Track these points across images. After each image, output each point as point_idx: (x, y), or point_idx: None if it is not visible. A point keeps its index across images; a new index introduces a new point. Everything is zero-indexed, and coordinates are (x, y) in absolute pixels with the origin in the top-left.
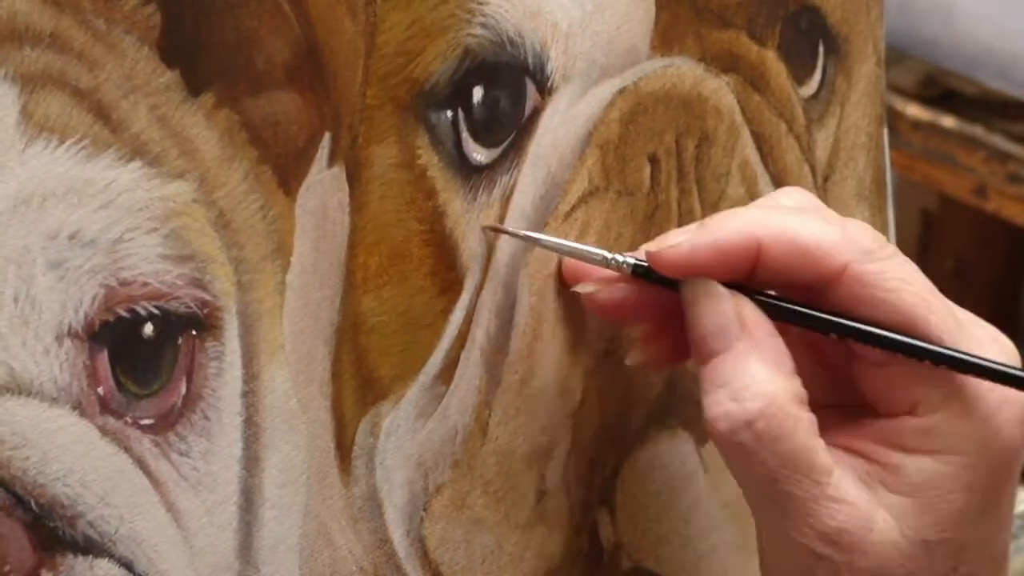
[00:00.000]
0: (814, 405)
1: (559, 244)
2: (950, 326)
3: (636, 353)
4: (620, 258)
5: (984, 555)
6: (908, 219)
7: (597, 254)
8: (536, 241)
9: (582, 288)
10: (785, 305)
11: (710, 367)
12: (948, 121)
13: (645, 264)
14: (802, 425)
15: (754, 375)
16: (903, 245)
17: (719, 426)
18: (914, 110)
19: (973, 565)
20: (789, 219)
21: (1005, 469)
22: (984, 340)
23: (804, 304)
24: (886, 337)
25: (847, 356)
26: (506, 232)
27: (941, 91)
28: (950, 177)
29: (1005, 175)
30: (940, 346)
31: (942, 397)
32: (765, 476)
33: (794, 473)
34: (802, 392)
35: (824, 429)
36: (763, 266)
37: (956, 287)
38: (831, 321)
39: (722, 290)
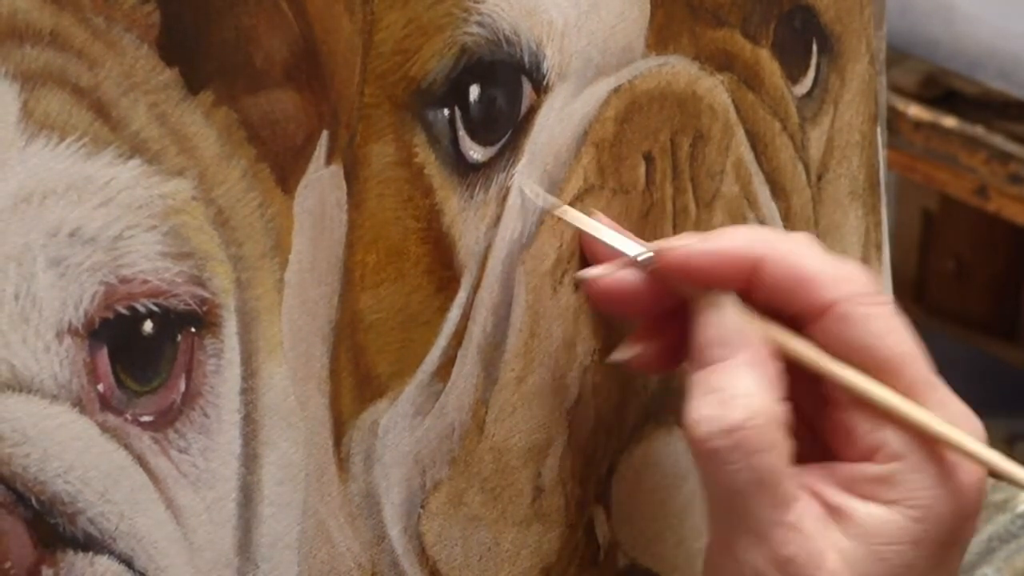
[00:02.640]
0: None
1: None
2: (924, 386)
3: (624, 350)
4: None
5: None
6: (909, 219)
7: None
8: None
9: (589, 273)
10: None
11: (704, 373)
12: (949, 121)
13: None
14: (778, 448)
15: (745, 387)
16: (903, 245)
17: (699, 428)
18: (915, 110)
19: None
20: (796, 247)
21: (956, 531)
22: (956, 412)
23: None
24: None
25: (816, 399)
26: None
27: (942, 91)
28: (951, 177)
29: (1006, 175)
30: (908, 401)
31: (903, 447)
32: (732, 488)
33: (760, 492)
34: (787, 418)
35: (797, 463)
36: (757, 285)
37: (957, 287)
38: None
39: (734, 304)
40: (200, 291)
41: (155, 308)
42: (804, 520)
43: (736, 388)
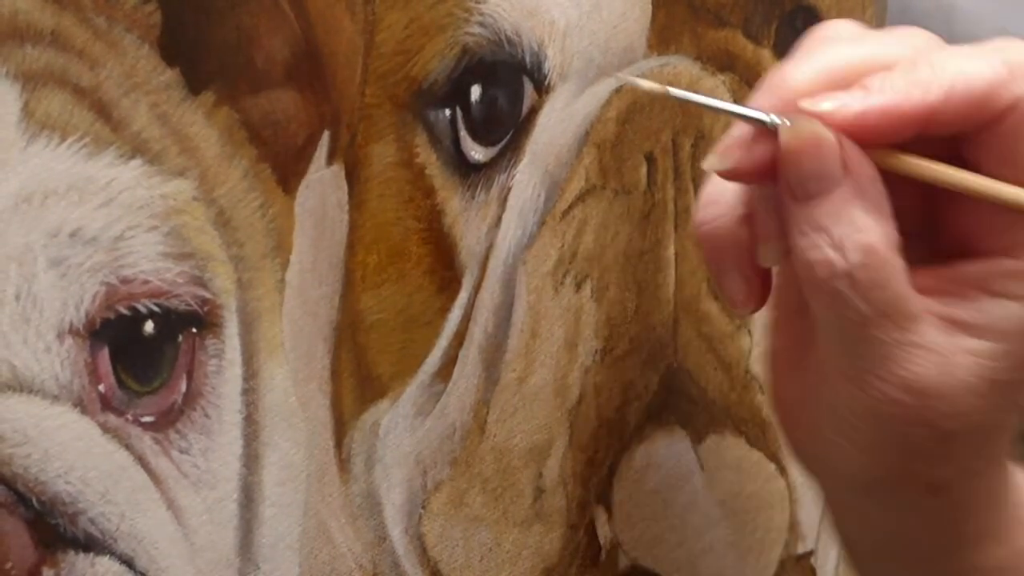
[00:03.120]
0: (903, 243)
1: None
2: None
3: (721, 158)
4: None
5: None
6: None
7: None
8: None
9: (721, 162)
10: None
11: (808, 208)
12: None
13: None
14: (897, 274)
15: (856, 223)
16: None
17: (818, 272)
18: None
19: (1022, 399)
20: (962, 64)
21: None
22: None
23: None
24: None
25: (934, 203)
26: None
27: None
28: None
29: None
30: None
31: None
32: (854, 321)
33: (884, 319)
34: (897, 238)
35: (911, 268)
36: (931, 125)
37: None
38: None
39: (826, 131)
40: (201, 291)
41: (156, 308)
42: (929, 335)
43: (846, 225)
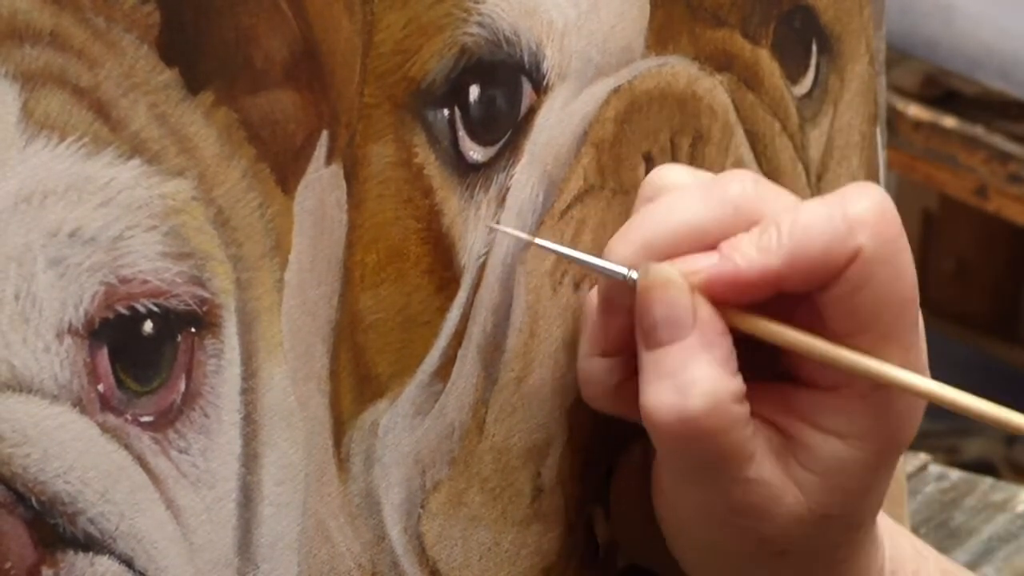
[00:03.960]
0: (741, 366)
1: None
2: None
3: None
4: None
5: (872, 510)
6: (909, 219)
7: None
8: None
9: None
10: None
11: (656, 355)
12: (949, 121)
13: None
14: (737, 423)
15: (702, 373)
16: None
17: (659, 416)
18: (915, 110)
19: (862, 519)
20: (802, 224)
21: (899, 453)
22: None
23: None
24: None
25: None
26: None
27: (942, 91)
28: (951, 177)
29: (1006, 175)
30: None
31: (869, 386)
32: (693, 463)
33: (721, 462)
34: (741, 389)
35: (749, 397)
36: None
37: (956, 287)
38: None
39: (681, 281)
40: (200, 291)
41: (155, 308)
42: (763, 471)
43: (692, 373)
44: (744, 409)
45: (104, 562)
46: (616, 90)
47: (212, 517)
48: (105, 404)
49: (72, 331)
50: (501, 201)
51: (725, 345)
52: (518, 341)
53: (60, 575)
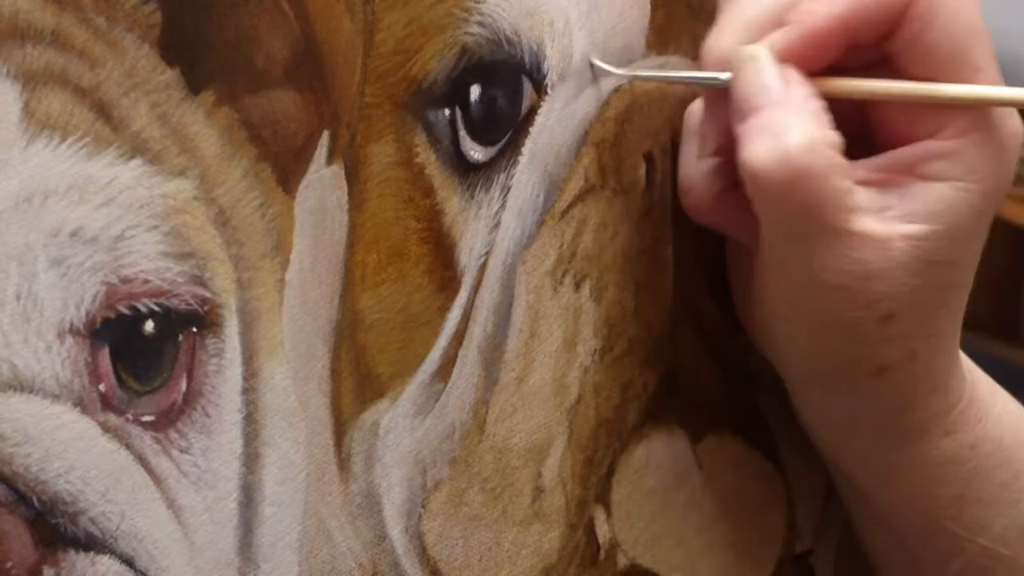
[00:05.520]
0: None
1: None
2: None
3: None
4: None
5: (970, 267)
6: None
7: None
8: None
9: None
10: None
11: (751, 121)
12: None
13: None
14: (836, 169)
15: (798, 120)
16: None
17: (759, 163)
18: None
19: (961, 277)
20: None
21: (1003, 192)
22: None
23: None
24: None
25: (870, 128)
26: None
27: None
28: None
29: None
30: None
31: (969, 123)
32: (795, 213)
33: (824, 211)
34: (838, 141)
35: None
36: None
37: None
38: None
39: (767, 54)
40: (201, 291)
41: (156, 308)
42: (868, 224)
43: (785, 121)
44: (842, 160)
45: (105, 562)
46: (617, 90)
47: (213, 517)
48: (106, 404)
49: (73, 331)
50: (502, 201)
51: (816, 105)
52: (519, 341)
53: (61, 575)
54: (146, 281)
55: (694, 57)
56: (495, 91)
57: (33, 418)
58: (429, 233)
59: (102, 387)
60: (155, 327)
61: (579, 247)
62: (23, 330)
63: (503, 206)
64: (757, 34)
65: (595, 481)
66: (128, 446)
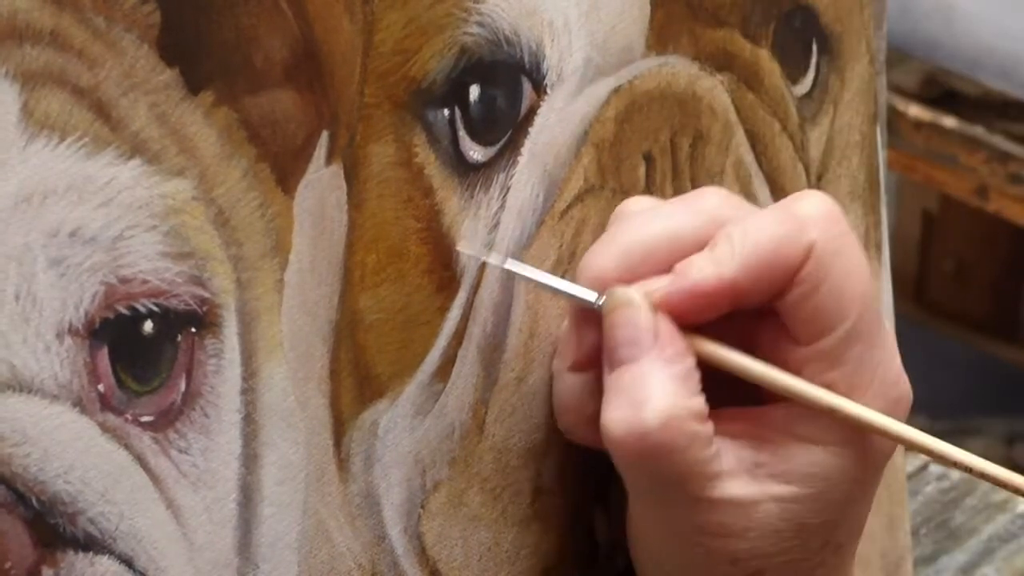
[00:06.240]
0: (710, 397)
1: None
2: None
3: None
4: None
5: (854, 528)
6: (909, 219)
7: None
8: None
9: (562, 361)
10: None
11: (616, 374)
12: (949, 121)
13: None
14: (697, 441)
15: (658, 390)
16: (903, 245)
17: (615, 432)
18: (915, 110)
19: (842, 538)
20: (754, 231)
21: (883, 464)
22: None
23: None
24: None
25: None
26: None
27: (942, 91)
28: (951, 177)
29: (1006, 175)
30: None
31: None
32: (653, 482)
33: (682, 482)
34: (702, 408)
35: (721, 418)
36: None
37: (956, 287)
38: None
39: (641, 302)
40: (200, 291)
41: (155, 308)
42: (730, 490)
43: (647, 390)
44: (705, 428)
45: (104, 562)
46: (616, 90)
47: (212, 517)
48: (105, 404)
49: (72, 331)
50: (502, 201)
51: (686, 363)
52: (518, 341)
53: (60, 575)
54: (145, 281)
55: (694, 57)
56: (494, 91)
57: (32, 418)
58: (428, 233)
59: (101, 387)
60: (154, 327)
61: (579, 247)
62: (22, 330)
63: (502, 206)
64: (638, 264)
65: (595, 482)
66: (127, 446)
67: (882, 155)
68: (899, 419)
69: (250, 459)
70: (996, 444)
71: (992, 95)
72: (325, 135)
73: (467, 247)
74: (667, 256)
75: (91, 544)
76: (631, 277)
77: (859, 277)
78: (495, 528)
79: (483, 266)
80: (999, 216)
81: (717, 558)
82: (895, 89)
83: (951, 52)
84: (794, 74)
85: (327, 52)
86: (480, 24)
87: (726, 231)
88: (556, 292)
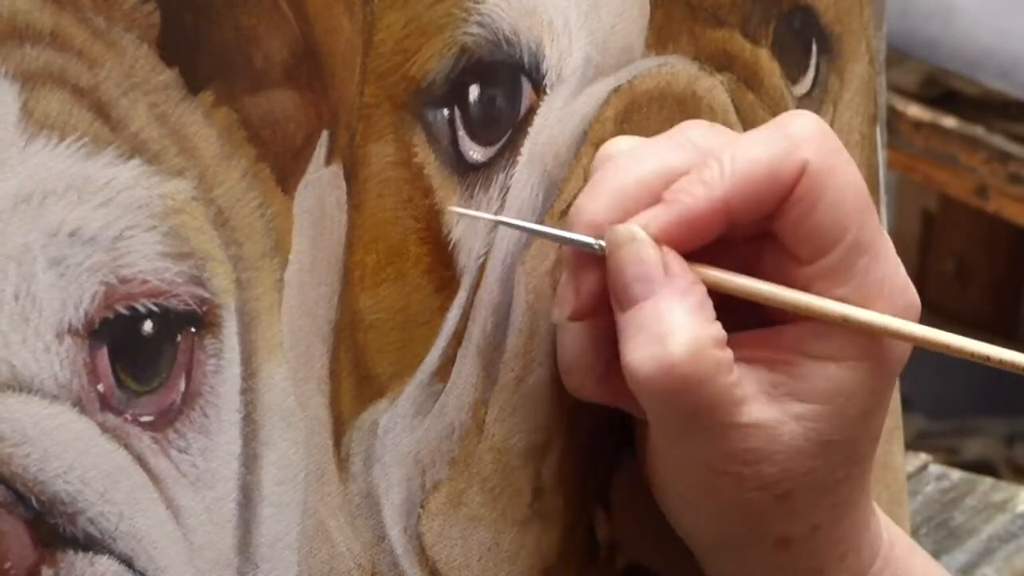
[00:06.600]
0: (725, 326)
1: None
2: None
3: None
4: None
5: (873, 438)
6: (909, 219)
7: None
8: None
9: (561, 312)
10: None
11: (631, 313)
12: (949, 122)
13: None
14: (721, 368)
15: (680, 321)
16: (903, 245)
17: (642, 370)
18: (915, 110)
19: (864, 450)
20: (744, 150)
21: (897, 371)
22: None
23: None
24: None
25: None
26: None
27: (942, 91)
28: (951, 177)
29: (1006, 175)
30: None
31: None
32: (682, 414)
33: (711, 411)
34: (722, 335)
35: (734, 344)
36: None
37: (956, 287)
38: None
39: (646, 237)
40: (200, 291)
41: (155, 308)
42: (755, 413)
43: (668, 324)
44: (727, 355)
45: (104, 562)
46: (616, 90)
47: (212, 517)
48: (105, 404)
49: (72, 331)
50: (501, 201)
51: (699, 293)
52: (518, 341)
53: (60, 575)
54: (144, 281)
55: (694, 57)
56: (494, 91)
57: (32, 418)
58: (428, 233)
59: (100, 387)
60: (154, 327)
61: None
62: (22, 330)
63: (502, 206)
64: (632, 203)
65: (594, 481)
66: (127, 446)
67: (882, 155)
68: None
69: (250, 459)
70: (996, 444)
71: (992, 95)
72: (325, 135)
73: (458, 207)
74: (660, 192)
75: (91, 544)
76: (625, 218)
77: (856, 191)
78: (495, 528)
79: (483, 266)
80: (999, 216)
81: (748, 485)
82: (895, 89)
83: (951, 52)
84: (794, 74)
85: (327, 52)
86: (480, 24)
87: (715, 154)
88: (554, 239)
